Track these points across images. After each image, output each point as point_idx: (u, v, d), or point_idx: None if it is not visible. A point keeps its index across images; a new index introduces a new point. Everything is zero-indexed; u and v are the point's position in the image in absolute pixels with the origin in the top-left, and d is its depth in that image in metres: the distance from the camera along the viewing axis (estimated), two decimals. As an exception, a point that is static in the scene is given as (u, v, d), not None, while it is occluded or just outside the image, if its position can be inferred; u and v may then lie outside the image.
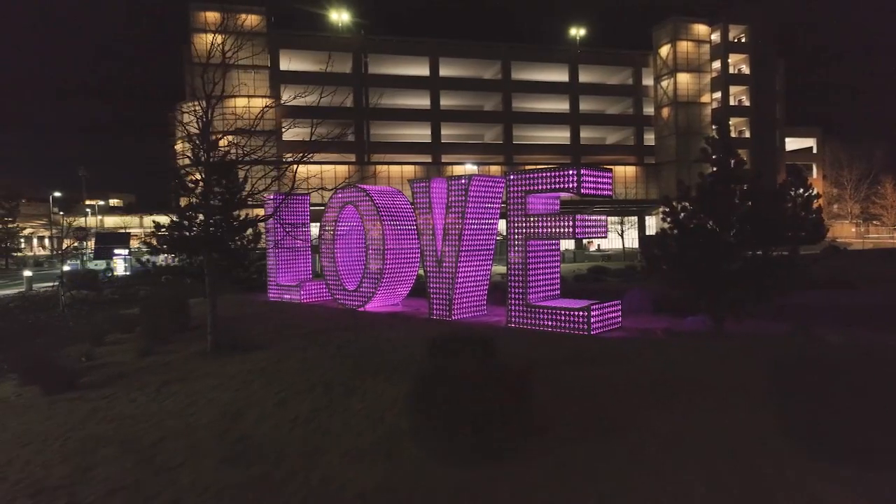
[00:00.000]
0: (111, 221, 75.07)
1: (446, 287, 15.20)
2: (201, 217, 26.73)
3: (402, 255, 17.24)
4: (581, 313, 12.85)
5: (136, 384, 10.53)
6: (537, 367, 9.40)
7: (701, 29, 71.35)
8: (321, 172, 62.83)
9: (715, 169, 13.35)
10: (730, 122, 69.42)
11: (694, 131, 69.94)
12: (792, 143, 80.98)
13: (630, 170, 72.17)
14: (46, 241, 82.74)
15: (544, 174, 13.29)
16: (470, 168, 60.32)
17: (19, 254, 70.98)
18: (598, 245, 62.96)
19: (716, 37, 71.48)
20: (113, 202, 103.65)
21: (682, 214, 12.93)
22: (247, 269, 25.64)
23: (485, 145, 72.90)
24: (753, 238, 12.44)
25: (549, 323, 13.31)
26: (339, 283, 18.14)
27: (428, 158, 67.89)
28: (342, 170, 64.61)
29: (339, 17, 67.64)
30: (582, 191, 12.75)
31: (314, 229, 21.30)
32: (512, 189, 13.89)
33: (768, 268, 12.39)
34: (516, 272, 13.91)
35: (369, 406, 7.96)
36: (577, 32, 75.29)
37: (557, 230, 13.10)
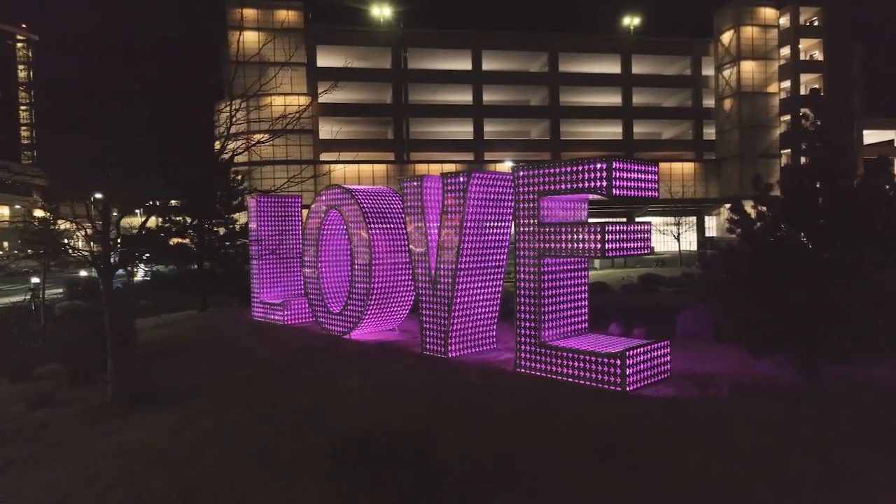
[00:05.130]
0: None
1: (442, 315, 11.82)
2: (191, 221, 24.32)
3: (397, 271, 13.95)
4: (613, 361, 9.26)
5: (-28, 465, 7.62)
6: (512, 479, 5.94)
7: (768, 12, 65.34)
8: (358, 172, 60.26)
9: (803, 160, 9.61)
10: (800, 112, 63.51)
11: (759, 124, 64.17)
12: (870, 136, 73.78)
13: (688, 166, 66.80)
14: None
15: (563, 169, 9.75)
16: (508, 165, 56.63)
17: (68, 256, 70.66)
18: (653, 248, 58.13)
19: (784, 20, 65.34)
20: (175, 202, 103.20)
21: (759, 224, 9.22)
22: (242, 281, 22.90)
23: (530, 142, 68.88)
24: (866, 257, 8.63)
25: (569, 371, 9.76)
26: (323, 304, 14.99)
27: (470, 156, 64.39)
28: (380, 169, 61.95)
29: (381, 11, 64.83)
30: (614, 191, 9.17)
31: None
32: (522, 189, 10.40)
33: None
34: (527, 300, 10.42)
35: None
36: (631, 21, 70.43)
37: (581, 245, 9.55)
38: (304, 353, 12.78)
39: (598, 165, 9.24)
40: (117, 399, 9.54)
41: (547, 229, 10.01)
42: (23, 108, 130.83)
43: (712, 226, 63.37)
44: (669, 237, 48.69)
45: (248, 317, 18.17)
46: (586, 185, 9.40)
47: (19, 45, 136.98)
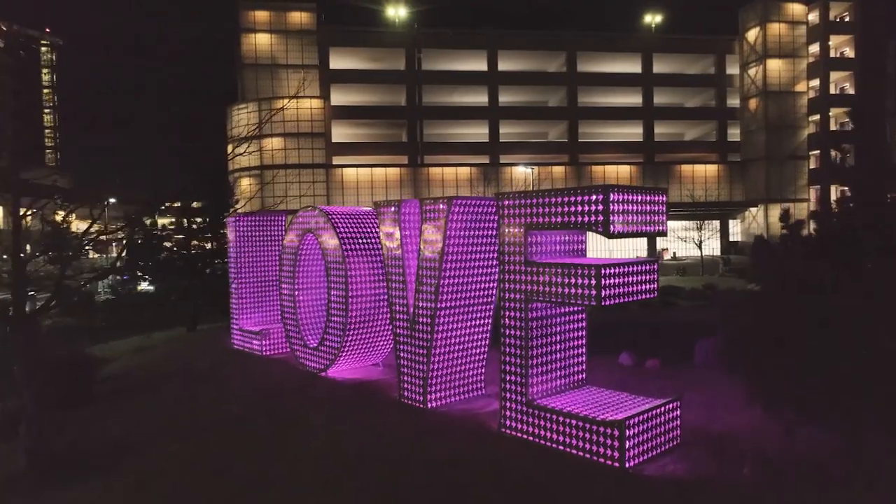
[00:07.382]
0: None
1: (420, 359, 10.38)
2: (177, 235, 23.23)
3: (377, 303, 12.53)
4: (609, 431, 7.73)
5: None
6: None
7: (796, 8, 62.75)
8: (371, 175, 58.79)
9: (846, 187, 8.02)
10: (829, 113, 60.74)
11: (787, 124, 61.61)
12: (904, 136, 70.62)
13: (711, 168, 64.42)
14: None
15: (554, 200, 8.24)
16: (522, 169, 54.92)
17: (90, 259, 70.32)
18: (674, 253, 56.02)
19: (813, 17, 62.68)
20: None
21: (789, 268, 7.62)
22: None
23: (548, 144, 67.06)
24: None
25: (559, 438, 8.25)
26: (300, 337, 13.64)
27: (485, 159, 62.75)
28: (393, 172, 60.68)
29: (395, 12, 63.48)
30: (612, 227, 7.64)
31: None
32: (506, 220, 8.91)
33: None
34: (512, 350, 8.93)
35: None
36: (652, 18, 68.28)
37: (572, 290, 8.02)
38: (270, 397, 11.46)
39: (594, 197, 7.72)
40: (32, 468, 8.28)
41: (535, 269, 8.50)
42: (46, 111, 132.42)
43: (737, 231, 61.08)
44: (691, 243, 46.62)
45: (228, 343, 16.92)
46: (579, 219, 7.88)
47: (44, 48, 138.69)
